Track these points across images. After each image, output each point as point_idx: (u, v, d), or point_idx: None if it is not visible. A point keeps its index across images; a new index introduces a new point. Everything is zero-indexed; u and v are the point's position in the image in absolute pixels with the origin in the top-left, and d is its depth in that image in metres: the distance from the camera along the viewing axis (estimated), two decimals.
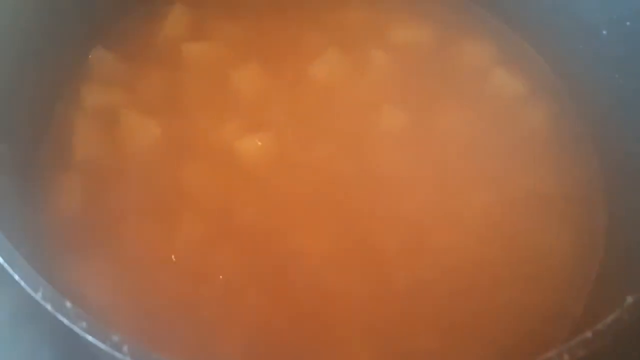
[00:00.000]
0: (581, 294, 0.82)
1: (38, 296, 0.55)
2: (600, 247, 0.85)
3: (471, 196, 0.88)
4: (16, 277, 0.57)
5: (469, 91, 0.97)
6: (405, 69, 0.97)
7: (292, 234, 0.82)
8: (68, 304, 0.55)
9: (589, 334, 0.58)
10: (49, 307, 0.55)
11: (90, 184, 0.84)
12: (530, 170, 0.91)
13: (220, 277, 0.79)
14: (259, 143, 0.87)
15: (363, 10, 1.02)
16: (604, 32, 0.89)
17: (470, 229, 0.86)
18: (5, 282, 0.58)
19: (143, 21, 0.97)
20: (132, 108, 0.89)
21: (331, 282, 0.80)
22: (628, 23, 0.85)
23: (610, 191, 0.88)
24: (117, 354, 0.54)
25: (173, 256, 0.80)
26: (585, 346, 0.57)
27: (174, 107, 0.90)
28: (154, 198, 0.83)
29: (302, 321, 0.78)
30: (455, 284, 0.82)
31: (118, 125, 0.88)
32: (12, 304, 0.84)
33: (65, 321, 0.55)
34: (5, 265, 0.58)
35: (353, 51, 0.98)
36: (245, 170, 0.86)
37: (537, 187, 0.89)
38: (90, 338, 0.54)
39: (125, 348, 0.54)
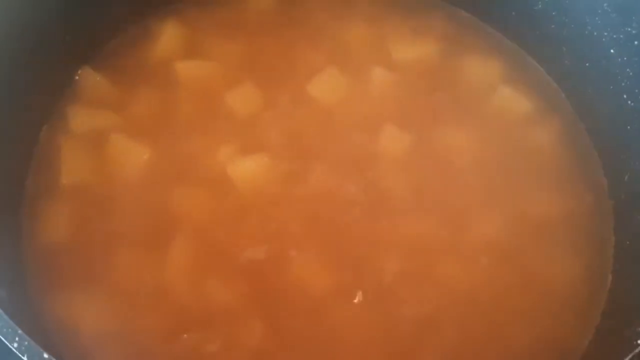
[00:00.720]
0: (588, 327, 0.78)
1: (14, 347, 0.51)
2: (608, 277, 0.81)
3: (477, 222, 0.84)
4: None
5: (474, 110, 0.93)
6: (408, 87, 0.94)
7: (289, 264, 0.79)
8: (45, 356, 0.51)
9: None
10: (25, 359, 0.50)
11: (78, 211, 0.81)
12: (537, 194, 0.87)
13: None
14: (254, 167, 0.83)
15: (363, 26, 0.98)
16: (612, 50, 0.86)
17: (475, 257, 0.82)
18: None
19: (134, 39, 0.93)
20: (121, 131, 0.85)
21: (334, 315, 0.76)
22: (636, 42, 0.81)
23: (619, 216, 0.84)
24: None
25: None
26: None
27: (165, 130, 0.86)
28: (144, 226, 0.80)
29: (304, 357, 0.75)
30: (461, 315, 0.78)
31: (107, 149, 0.84)
32: None
33: None
34: None
35: (353, 69, 0.94)
36: (240, 196, 0.82)
37: (544, 212, 0.85)
38: None
39: None
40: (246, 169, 0.83)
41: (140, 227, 0.79)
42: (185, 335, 0.74)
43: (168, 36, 0.93)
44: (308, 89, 0.91)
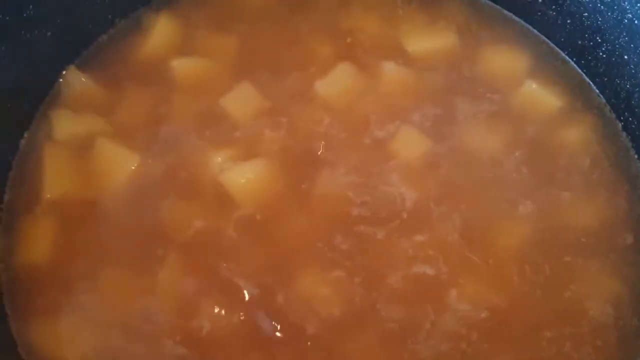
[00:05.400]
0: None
1: None
2: None
3: (500, 237, 0.76)
4: None
5: (498, 108, 0.84)
6: (425, 84, 0.85)
7: (290, 286, 0.71)
8: None
9: None
10: None
11: (60, 229, 0.74)
12: (569, 202, 0.78)
13: None
14: (251, 176, 0.75)
15: (374, 15, 0.89)
16: None
17: (498, 277, 0.74)
18: None
19: (124, 35, 0.86)
20: (108, 137, 0.78)
21: (343, 346, 0.68)
22: None
23: None
24: None
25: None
26: None
27: (156, 135, 0.79)
28: (132, 245, 0.73)
29: None
30: (481, 342, 0.70)
31: (92, 157, 0.77)
32: None
33: None
34: None
35: (363, 64, 0.86)
36: (235, 208, 0.74)
37: (577, 223, 0.77)
38: None
39: None
40: (242, 178, 0.75)
41: (127, 246, 0.72)
42: None
43: (161, 31, 0.85)
44: (316, 87, 0.83)
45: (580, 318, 0.72)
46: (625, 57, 0.81)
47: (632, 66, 0.81)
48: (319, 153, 0.79)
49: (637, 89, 0.80)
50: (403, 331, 0.70)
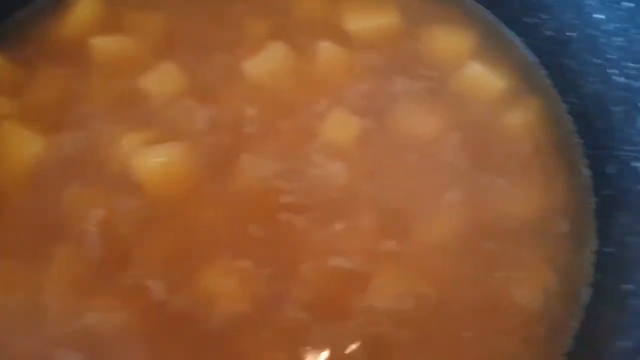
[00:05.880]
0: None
1: None
2: (585, 291, 0.68)
3: (428, 225, 0.71)
4: None
5: (439, 90, 0.80)
6: (362, 64, 0.81)
7: (194, 280, 0.66)
8: None
9: None
10: None
11: None
12: (509, 189, 0.74)
13: None
14: (164, 160, 0.70)
15: None
16: (602, 16, 0.72)
17: (430, 267, 0.69)
18: None
19: (43, 11, 0.82)
20: (15, 119, 0.73)
21: (241, 341, 0.64)
22: (625, 4, 0.67)
23: (603, 218, 0.71)
24: None
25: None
26: None
27: (68, 117, 0.74)
28: (26, 233, 0.67)
29: None
30: (409, 337, 0.66)
31: None
32: None
33: None
34: None
35: (299, 44, 0.81)
36: (145, 196, 0.69)
37: (515, 210, 0.72)
38: None
39: None
40: (153, 162, 0.70)
41: (23, 236, 0.67)
42: None
43: (84, 8, 0.81)
44: (244, 66, 0.78)
45: (510, 307, 0.67)
46: (572, 34, 0.76)
47: (577, 44, 0.75)
48: (243, 137, 0.75)
49: (584, 69, 0.75)
50: (307, 328, 0.65)
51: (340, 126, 0.76)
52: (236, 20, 0.83)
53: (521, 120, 0.78)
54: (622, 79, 0.68)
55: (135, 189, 0.69)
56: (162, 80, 0.76)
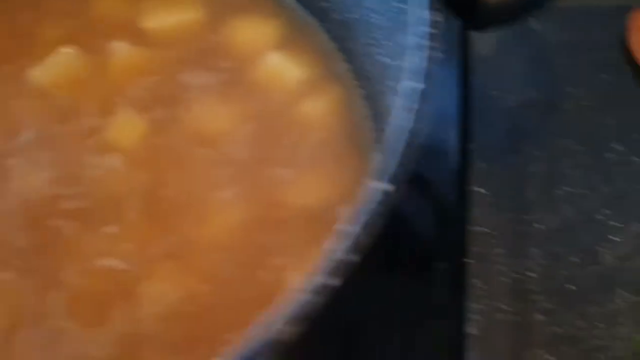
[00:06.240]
0: None
1: None
2: None
3: (209, 222, 0.67)
4: None
5: (236, 83, 0.77)
6: (156, 62, 0.78)
7: None
8: None
9: None
10: None
11: None
12: (294, 180, 0.70)
13: None
14: None
15: None
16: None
17: (204, 265, 0.65)
18: None
19: None
20: None
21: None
22: None
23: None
24: None
25: None
26: None
27: None
28: None
29: None
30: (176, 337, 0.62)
31: None
32: None
33: None
34: None
35: (92, 48, 0.78)
36: None
37: (294, 201, 0.68)
38: None
39: None
40: None
41: None
42: None
43: None
44: (28, 75, 0.75)
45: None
46: (354, 16, 0.73)
47: (360, 26, 0.72)
48: (17, 147, 0.71)
49: (369, 50, 0.72)
50: (68, 335, 0.61)
51: (124, 126, 0.73)
52: (27, 29, 0.80)
53: (317, 109, 0.75)
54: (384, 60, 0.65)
55: None
56: None
